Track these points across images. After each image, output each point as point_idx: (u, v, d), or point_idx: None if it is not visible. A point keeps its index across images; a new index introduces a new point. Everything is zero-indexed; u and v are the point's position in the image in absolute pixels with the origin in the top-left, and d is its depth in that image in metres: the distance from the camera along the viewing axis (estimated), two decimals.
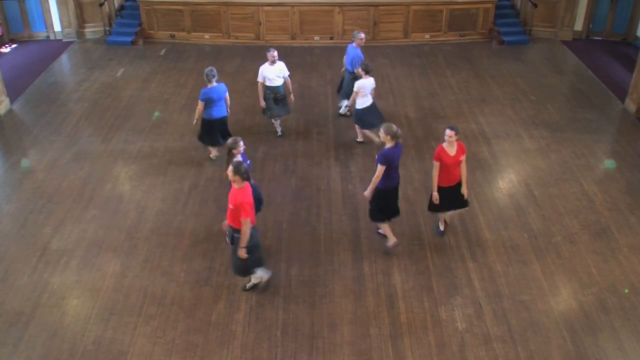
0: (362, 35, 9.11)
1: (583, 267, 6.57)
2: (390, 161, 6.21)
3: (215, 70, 7.89)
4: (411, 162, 8.54)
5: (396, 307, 6.02)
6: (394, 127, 6.21)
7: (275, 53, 8.50)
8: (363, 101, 8.36)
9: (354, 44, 9.09)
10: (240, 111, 9.88)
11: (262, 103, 8.75)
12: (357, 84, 8.24)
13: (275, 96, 8.74)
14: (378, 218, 6.63)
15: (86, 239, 7.00)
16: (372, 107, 8.47)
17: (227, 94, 8.14)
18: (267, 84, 8.65)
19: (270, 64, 8.53)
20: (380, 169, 6.16)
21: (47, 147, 8.96)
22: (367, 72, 8.24)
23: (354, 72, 8.96)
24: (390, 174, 6.31)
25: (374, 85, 8.42)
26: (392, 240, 6.66)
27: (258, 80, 8.68)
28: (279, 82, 8.67)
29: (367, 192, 6.45)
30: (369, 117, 8.47)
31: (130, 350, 5.54)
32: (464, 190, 6.64)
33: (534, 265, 6.59)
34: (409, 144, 9.04)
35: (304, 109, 10.19)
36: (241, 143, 6.16)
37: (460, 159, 6.43)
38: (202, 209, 7.50)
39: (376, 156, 6.29)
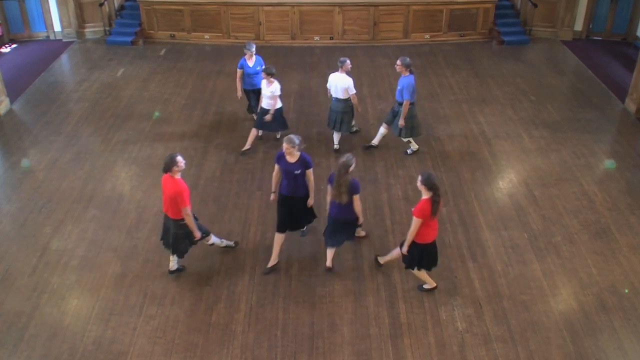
0: (398, 61, 8.08)
1: (583, 267, 6.57)
2: None
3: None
4: (411, 162, 8.53)
5: (396, 307, 6.02)
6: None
7: (348, 62, 8.19)
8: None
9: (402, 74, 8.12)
10: (240, 111, 9.88)
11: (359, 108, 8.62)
12: (277, 88, 8.11)
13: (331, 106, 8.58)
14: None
15: (86, 239, 7.00)
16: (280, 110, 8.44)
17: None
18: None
19: (341, 73, 8.18)
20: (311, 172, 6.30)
21: (47, 147, 8.96)
22: (271, 75, 8.04)
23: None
24: None
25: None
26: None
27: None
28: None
29: (310, 201, 6.49)
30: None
31: (130, 350, 5.54)
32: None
33: (534, 265, 6.59)
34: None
35: (304, 109, 10.20)
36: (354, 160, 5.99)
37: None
38: (202, 209, 7.49)
39: (305, 165, 6.22)
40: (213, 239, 6.54)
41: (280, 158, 6.28)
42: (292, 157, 6.18)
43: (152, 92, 10.89)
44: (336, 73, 8.27)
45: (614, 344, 5.60)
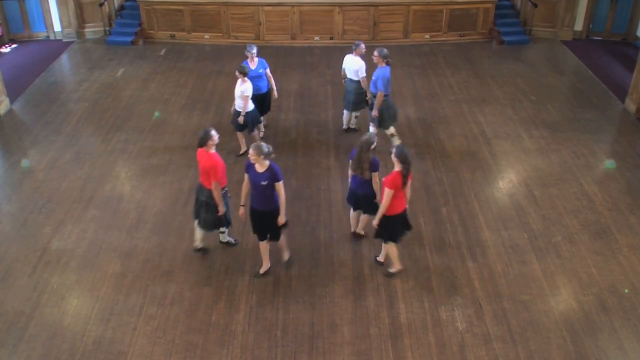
0: (375, 52, 8.19)
1: (583, 267, 6.57)
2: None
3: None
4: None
5: (396, 307, 6.02)
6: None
7: (363, 46, 8.60)
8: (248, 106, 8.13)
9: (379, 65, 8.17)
10: None
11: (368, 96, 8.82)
12: (249, 89, 7.94)
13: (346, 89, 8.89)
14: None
15: (86, 239, 7.00)
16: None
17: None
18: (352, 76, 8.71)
19: (355, 55, 8.58)
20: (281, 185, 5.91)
21: (47, 147, 8.96)
22: (245, 74, 7.92)
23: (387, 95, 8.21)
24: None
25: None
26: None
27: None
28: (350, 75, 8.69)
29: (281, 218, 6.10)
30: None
31: (130, 350, 5.54)
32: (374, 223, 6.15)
33: (534, 265, 6.59)
34: (409, 144, 9.03)
35: (304, 109, 10.20)
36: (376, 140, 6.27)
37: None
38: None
39: (273, 177, 5.83)
40: (199, 236, 6.66)
41: (250, 167, 5.94)
42: (261, 167, 5.83)
43: (152, 92, 10.89)
44: (350, 55, 8.62)
45: (614, 344, 5.60)
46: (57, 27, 13.47)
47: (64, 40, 13.45)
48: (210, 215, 6.29)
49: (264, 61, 8.65)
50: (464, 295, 6.17)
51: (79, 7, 13.33)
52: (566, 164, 8.52)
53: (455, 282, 6.34)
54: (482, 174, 8.28)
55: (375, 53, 8.08)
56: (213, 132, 6.04)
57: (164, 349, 5.57)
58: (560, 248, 6.86)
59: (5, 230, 7.14)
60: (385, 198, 5.82)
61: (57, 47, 13.09)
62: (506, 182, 8.14)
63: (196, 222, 6.47)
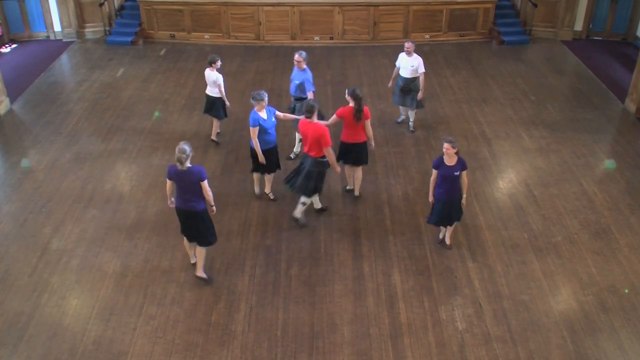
0: (296, 55, 8.05)
1: (583, 267, 6.57)
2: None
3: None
4: (411, 162, 8.54)
5: (396, 307, 6.02)
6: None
7: (411, 45, 9.01)
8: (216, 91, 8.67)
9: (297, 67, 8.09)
10: (240, 111, 9.87)
11: (390, 84, 9.52)
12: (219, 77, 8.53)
13: (402, 86, 9.12)
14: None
15: (86, 239, 7.00)
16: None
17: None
18: (400, 73, 9.14)
19: (407, 55, 8.97)
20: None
21: (47, 147, 8.96)
22: (211, 64, 8.53)
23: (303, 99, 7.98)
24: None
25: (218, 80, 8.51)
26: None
27: (396, 64, 9.27)
28: (407, 74, 9.00)
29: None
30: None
31: (130, 350, 5.54)
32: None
33: (534, 265, 6.59)
34: (408, 144, 9.05)
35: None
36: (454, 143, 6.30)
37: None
38: None
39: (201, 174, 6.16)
40: (316, 199, 7.32)
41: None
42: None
43: (152, 92, 10.89)
44: (403, 54, 9.04)
45: (614, 344, 5.60)
46: (57, 27, 13.47)
47: (64, 40, 13.45)
48: (312, 183, 6.81)
49: (270, 107, 7.27)
50: (464, 295, 6.17)
51: (79, 7, 13.33)
52: (566, 164, 8.52)
53: (455, 282, 6.34)
54: (482, 174, 8.28)
55: (299, 57, 7.96)
56: (315, 104, 6.77)
57: (164, 349, 5.57)
58: (560, 248, 6.86)
59: (5, 230, 7.14)
60: (330, 121, 7.16)
61: (57, 47, 13.09)
62: (506, 182, 8.14)
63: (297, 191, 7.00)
